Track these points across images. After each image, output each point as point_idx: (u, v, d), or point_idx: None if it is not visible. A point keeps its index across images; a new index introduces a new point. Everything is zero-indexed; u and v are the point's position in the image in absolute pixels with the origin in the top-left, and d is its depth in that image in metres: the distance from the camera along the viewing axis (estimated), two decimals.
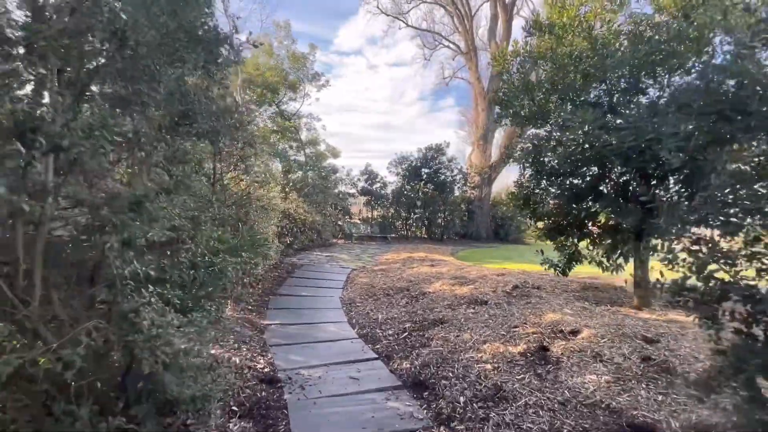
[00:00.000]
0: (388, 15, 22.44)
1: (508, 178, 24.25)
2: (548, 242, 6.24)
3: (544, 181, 5.62)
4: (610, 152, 4.01)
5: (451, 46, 22.74)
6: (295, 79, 17.33)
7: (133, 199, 2.04)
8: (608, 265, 4.93)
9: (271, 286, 7.31)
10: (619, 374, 3.26)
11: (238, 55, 4.08)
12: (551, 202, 5.56)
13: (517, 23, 20.89)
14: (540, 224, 6.14)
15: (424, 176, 18.61)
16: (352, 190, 18.71)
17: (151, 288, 2.09)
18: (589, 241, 5.41)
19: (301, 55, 17.03)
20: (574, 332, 4.15)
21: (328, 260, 10.99)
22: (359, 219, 19.52)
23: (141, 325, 2.09)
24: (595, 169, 4.65)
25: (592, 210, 4.49)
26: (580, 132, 4.19)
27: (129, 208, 2.03)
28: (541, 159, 5.00)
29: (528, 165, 5.45)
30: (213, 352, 3.97)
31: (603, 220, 4.05)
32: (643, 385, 3.07)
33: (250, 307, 5.81)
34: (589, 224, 5.57)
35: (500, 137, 21.46)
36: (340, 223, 16.03)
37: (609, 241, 4.65)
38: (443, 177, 18.67)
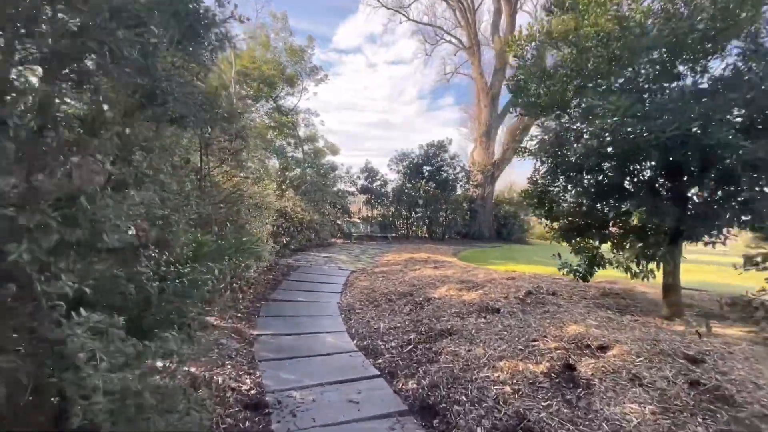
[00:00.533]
0: (389, 8, 21.94)
1: (510, 176, 23.81)
2: (563, 243, 5.74)
3: (562, 178, 5.11)
4: (646, 143, 3.50)
5: (453, 40, 22.24)
6: (293, 73, 16.77)
7: (61, 194, 1.54)
8: (638, 270, 4.42)
9: (264, 291, 6.79)
10: (666, 403, 2.76)
11: (228, 37, 3.57)
12: (570, 200, 5.04)
13: (521, 18, 20.40)
14: (555, 224, 5.64)
15: (426, 174, 18.09)
16: (352, 188, 18.23)
17: (84, 312, 1.58)
18: (611, 243, 4.90)
19: (299, 48, 16.47)
20: (603, 348, 3.65)
21: (326, 261, 10.49)
22: (359, 218, 19.01)
23: (76, 360, 1.60)
24: (624, 163, 4.14)
25: (623, 209, 3.98)
26: (610, 121, 3.68)
27: (55, 206, 1.53)
28: (564, 152, 4.49)
29: (546, 159, 4.93)
30: (193, 370, 3.48)
31: (636, 221, 3.57)
32: (699, 419, 2.57)
33: (239, 315, 5.31)
34: (610, 225, 5.08)
35: (503, 134, 21.00)
36: (338, 222, 15.51)
37: (640, 244, 4.14)
38: (445, 175, 18.17)
